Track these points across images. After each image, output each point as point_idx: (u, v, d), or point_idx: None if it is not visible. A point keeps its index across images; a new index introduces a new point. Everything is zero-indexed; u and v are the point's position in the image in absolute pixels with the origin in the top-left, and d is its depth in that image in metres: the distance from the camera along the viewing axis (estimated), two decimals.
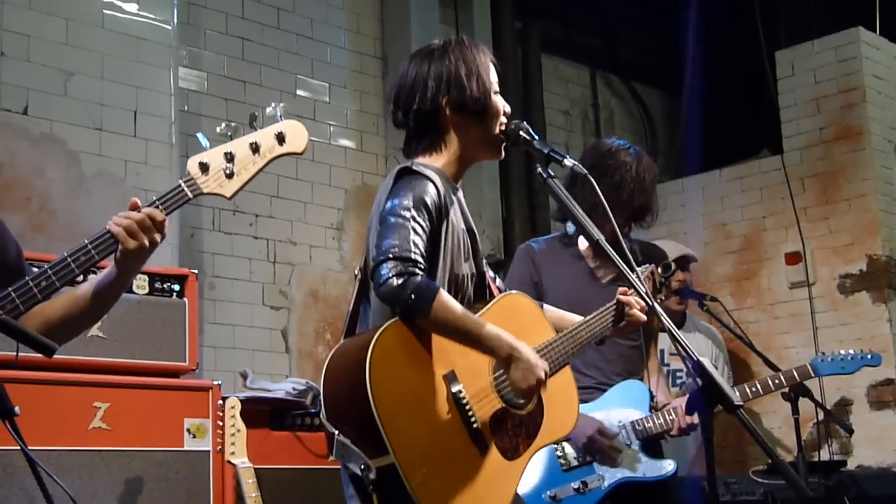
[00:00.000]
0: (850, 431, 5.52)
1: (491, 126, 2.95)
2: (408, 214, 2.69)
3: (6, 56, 4.99)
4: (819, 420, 6.65)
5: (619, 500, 3.91)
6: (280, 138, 2.55)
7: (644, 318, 3.29)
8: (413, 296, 2.56)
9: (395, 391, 2.52)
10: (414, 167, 2.82)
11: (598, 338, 3.23)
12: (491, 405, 2.74)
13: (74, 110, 5.14)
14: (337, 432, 2.56)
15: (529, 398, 2.82)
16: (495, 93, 2.99)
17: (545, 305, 3.34)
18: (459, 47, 2.97)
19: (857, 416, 6.72)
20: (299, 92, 6.45)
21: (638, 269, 3.47)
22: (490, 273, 3.09)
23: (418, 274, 2.60)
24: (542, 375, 2.73)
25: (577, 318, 3.25)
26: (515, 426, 2.80)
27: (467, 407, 2.65)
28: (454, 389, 2.63)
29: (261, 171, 2.54)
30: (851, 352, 4.36)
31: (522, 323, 2.90)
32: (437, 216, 2.77)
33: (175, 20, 5.53)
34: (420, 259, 2.64)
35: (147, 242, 2.43)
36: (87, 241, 2.42)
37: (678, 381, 6.15)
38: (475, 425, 2.65)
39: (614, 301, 3.29)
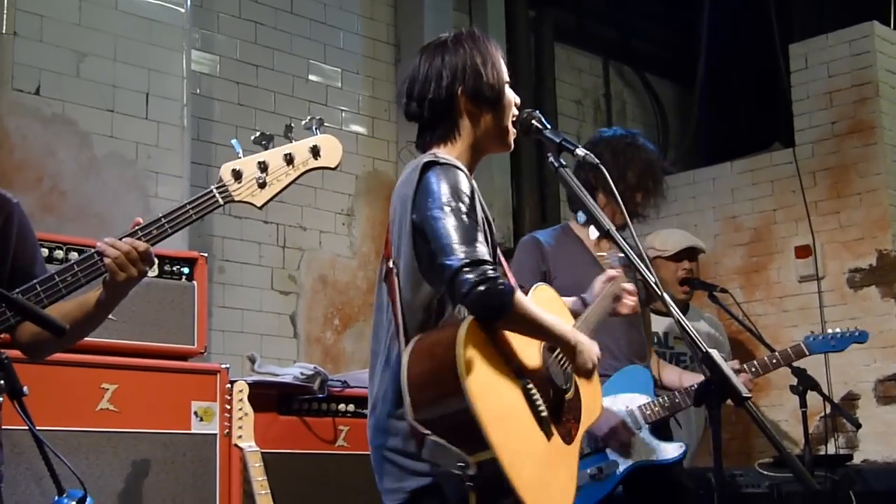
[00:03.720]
0: (857, 426, 5.52)
1: (504, 116, 2.94)
2: (461, 207, 2.66)
3: (19, 36, 4.99)
4: (826, 414, 6.64)
5: (632, 484, 3.97)
6: (315, 152, 2.59)
7: (627, 310, 3.46)
8: (498, 301, 2.56)
9: (485, 389, 2.53)
10: (440, 159, 2.77)
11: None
12: (547, 393, 2.77)
13: (87, 91, 5.14)
14: (430, 433, 2.52)
15: (589, 378, 2.92)
16: (507, 84, 2.98)
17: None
18: (472, 38, 2.96)
19: (864, 410, 6.71)
20: (311, 77, 6.45)
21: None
22: (504, 262, 3.10)
23: (494, 276, 2.58)
24: (596, 355, 2.88)
25: (570, 302, 3.39)
26: (566, 411, 2.84)
27: (535, 398, 2.67)
28: (523, 382, 2.66)
29: (293, 182, 2.55)
30: (839, 330, 4.54)
31: (555, 312, 2.94)
32: (476, 206, 2.75)
33: (188, 3, 5.52)
34: (488, 256, 2.63)
35: (135, 273, 2.47)
36: (74, 263, 2.44)
37: (681, 366, 6.15)
38: (543, 415, 2.68)
39: (611, 286, 3.41)
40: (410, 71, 2.97)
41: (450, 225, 2.62)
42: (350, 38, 6.73)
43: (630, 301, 3.45)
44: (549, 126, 2.96)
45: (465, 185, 2.72)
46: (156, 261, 2.52)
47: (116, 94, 5.23)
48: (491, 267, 2.58)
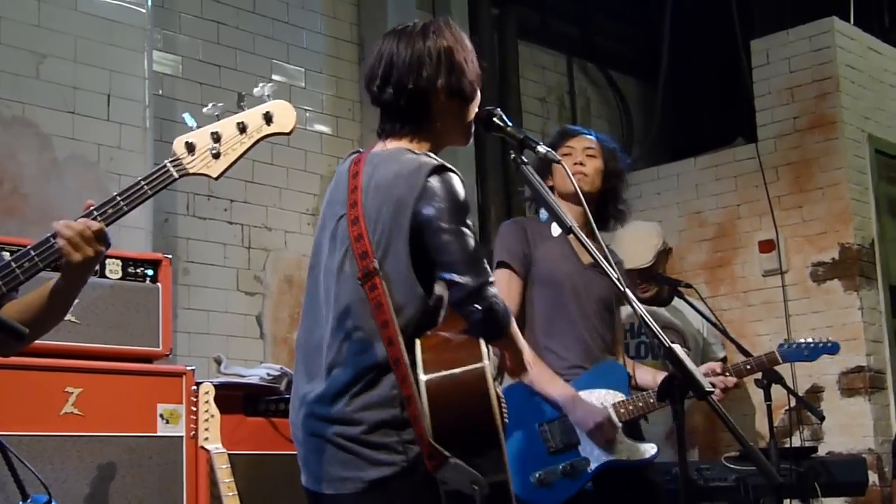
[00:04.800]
0: (822, 418, 5.58)
1: (471, 113, 2.93)
2: (468, 222, 2.72)
3: None
4: (791, 407, 6.70)
5: (604, 482, 3.97)
6: (268, 118, 2.53)
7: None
8: (504, 324, 2.69)
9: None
10: (443, 164, 2.75)
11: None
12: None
13: (47, 93, 5.10)
14: (449, 455, 2.53)
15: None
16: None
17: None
18: (451, 28, 2.92)
19: (829, 402, 6.77)
20: (275, 77, 6.42)
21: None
22: None
23: (500, 299, 2.69)
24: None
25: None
26: None
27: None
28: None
29: (248, 150, 2.52)
30: (811, 340, 4.61)
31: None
32: None
33: (149, 3, 5.48)
34: (491, 276, 2.71)
35: (92, 253, 2.42)
36: (30, 248, 2.41)
37: (652, 354, 6.14)
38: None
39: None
40: (387, 54, 2.89)
41: (461, 242, 2.67)
42: (313, 37, 6.71)
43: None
44: (511, 123, 2.95)
45: (464, 194, 2.74)
46: (111, 242, 2.46)
47: (77, 96, 5.19)
48: (496, 289, 2.67)
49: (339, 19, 6.88)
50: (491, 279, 2.66)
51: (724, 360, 6.24)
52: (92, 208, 2.44)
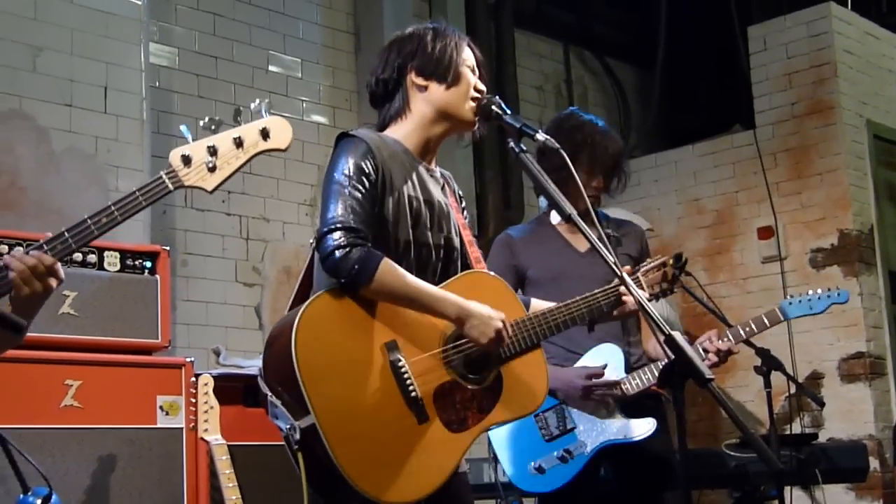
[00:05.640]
0: (822, 404, 5.55)
1: (459, 92, 2.97)
2: (346, 181, 2.78)
3: None
4: (791, 393, 6.70)
5: (609, 464, 3.98)
6: (264, 134, 2.56)
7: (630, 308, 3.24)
8: (356, 266, 2.66)
9: (322, 354, 2.61)
10: (351, 132, 2.90)
11: (586, 321, 3.19)
12: (437, 376, 2.76)
13: (44, 86, 5.09)
14: (269, 393, 2.65)
15: (497, 351, 2.83)
16: (467, 66, 3.00)
17: (533, 300, 3.30)
18: (432, 26, 3.04)
19: (829, 389, 6.78)
20: (271, 68, 6.42)
21: (651, 260, 3.53)
22: (477, 249, 3.10)
23: (361, 244, 2.70)
24: (500, 325, 2.77)
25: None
26: (465, 399, 2.80)
27: (406, 376, 2.68)
28: (392, 358, 2.69)
29: (243, 165, 2.54)
30: (819, 291, 4.29)
31: (486, 298, 2.88)
32: (376, 178, 2.82)
33: None
34: (362, 227, 2.73)
35: (40, 289, 2.39)
36: None
37: None
38: (413, 394, 2.68)
39: (610, 286, 3.23)
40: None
41: (336, 197, 2.75)
42: (309, 27, 6.70)
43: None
44: (509, 111, 2.97)
45: (365, 160, 2.81)
46: (63, 277, 2.43)
47: (74, 89, 5.18)
48: (357, 235, 2.69)
49: (335, 9, 6.87)
50: (350, 224, 2.70)
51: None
52: (42, 241, 2.41)
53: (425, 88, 2.97)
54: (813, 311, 4.29)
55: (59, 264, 2.41)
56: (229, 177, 2.52)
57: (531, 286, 4.08)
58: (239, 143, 2.52)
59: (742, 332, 4.10)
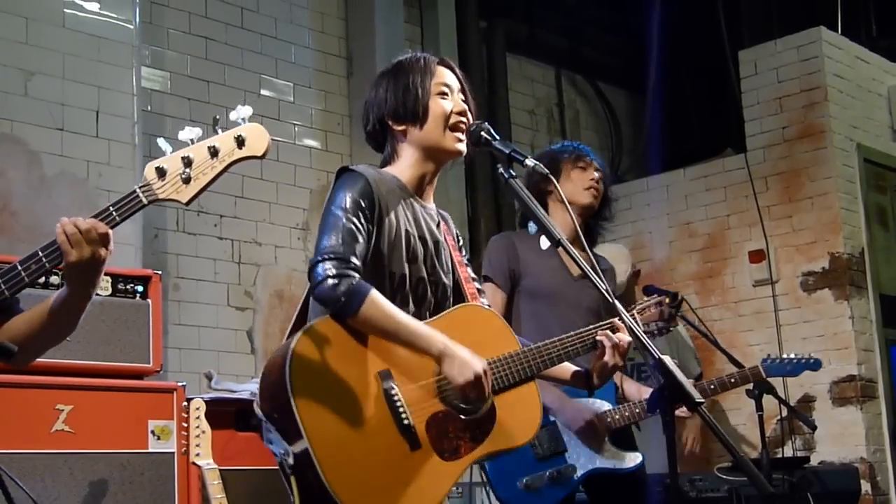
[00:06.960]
0: (813, 428, 5.57)
1: (433, 126, 2.98)
2: (342, 214, 2.79)
3: None
4: (783, 417, 6.70)
5: (590, 488, 4.01)
6: (240, 142, 2.48)
7: (615, 362, 3.11)
8: (343, 298, 2.68)
9: (316, 381, 2.62)
10: (351, 167, 2.93)
11: (581, 354, 3.12)
12: (430, 405, 2.77)
13: (35, 110, 5.09)
14: (264, 419, 2.66)
15: (474, 395, 2.79)
16: (439, 94, 3.00)
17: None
18: (395, 68, 3.07)
19: (820, 412, 6.77)
20: (263, 92, 6.43)
21: (647, 298, 3.62)
22: (474, 285, 3.10)
23: (352, 275, 2.71)
24: (480, 370, 2.75)
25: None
26: (458, 429, 2.80)
27: (399, 404, 2.69)
28: (385, 386, 2.70)
29: (220, 175, 2.47)
30: (794, 356, 4.74)
31: (477, 334, 2.89)
32: (372, 213, 2.84)
33: (137, 19, 5.48)
34: (354, 259, 2.75)
35: (89, 254, 2.36)
36: (38, 249, 2.37)
37: (644, 376, 6.19)
38: (406, 422, 2.69)
39: (605, 322, 3.15)
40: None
41: (331, 228, 2.78)
42: (301, 52, 6.72)
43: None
44: (498, 137, 2.98)
45: (364, 195, 2.84)
46: (112, 248, 2.40)
47: (66, 113, 5.19)
48: (348, 266, 2.71)
49: (328, 34, 6.89)
50: (343, 256, 2.72)
51: (699, 376, 6.28)
52: (16, 262, 2.37)
53: (404, 133, 3.01)
54: (790, 374, 4.80)
55: (111, 234, 2.38)
56: (205, 187, 2.47)
57: (523, 296, 4.13)
58: (214, 152, 2.45)
59: (728, 382, 4.49)
